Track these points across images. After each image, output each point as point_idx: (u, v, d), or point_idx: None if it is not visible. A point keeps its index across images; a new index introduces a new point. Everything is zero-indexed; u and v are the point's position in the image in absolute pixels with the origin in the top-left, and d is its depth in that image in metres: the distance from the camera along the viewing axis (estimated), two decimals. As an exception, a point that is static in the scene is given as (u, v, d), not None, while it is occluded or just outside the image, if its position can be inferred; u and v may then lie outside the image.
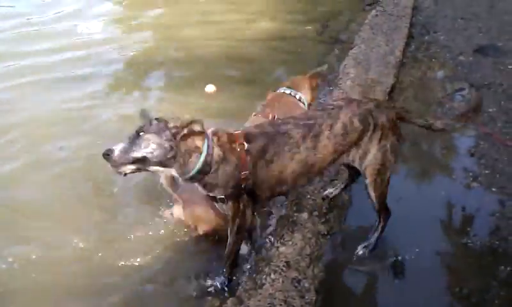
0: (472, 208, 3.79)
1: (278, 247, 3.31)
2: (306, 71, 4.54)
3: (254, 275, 3.12)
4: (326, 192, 3.72)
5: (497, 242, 3.45)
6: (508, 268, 3.24)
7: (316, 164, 2.95)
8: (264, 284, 3.01)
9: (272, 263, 3.16)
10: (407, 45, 6.57)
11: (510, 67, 5.95)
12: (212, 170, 2.78)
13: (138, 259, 3.50)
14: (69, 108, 5.47)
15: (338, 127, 2.91)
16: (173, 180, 3.53)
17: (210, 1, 8.92)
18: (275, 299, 2.90)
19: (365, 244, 3.40)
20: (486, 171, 4.15)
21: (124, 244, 3.62)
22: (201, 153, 2.74)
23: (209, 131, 2.83)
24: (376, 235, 3.38)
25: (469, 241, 3.48)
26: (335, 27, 7.77)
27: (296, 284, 3.02)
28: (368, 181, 3.11)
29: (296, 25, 7.81)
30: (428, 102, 5.30)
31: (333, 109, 3.01)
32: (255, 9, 8.46)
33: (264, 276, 3.07)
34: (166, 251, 3.57)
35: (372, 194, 3.16)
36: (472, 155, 4.37)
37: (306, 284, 3.03)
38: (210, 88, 5.76)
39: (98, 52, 6.84)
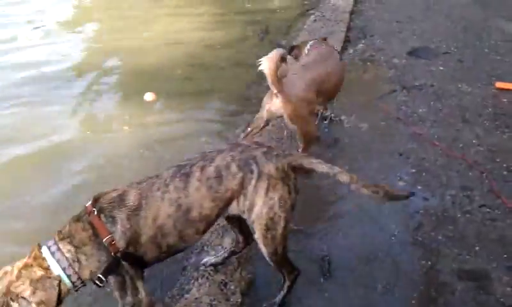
0: (397, 206, 3.89)
1: (207, 252, 3.35)
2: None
3: (181, 280, 3.15)
4: (205, 260, 3.25)
5: (420, 238, 3.58)
6: (429, 263, 3.37)
7: (192, 209, 2.60)
8: (190, 289, 3.04)
9: (200, 268, 3.20)
10: (343, 49, 6.73)
11: (441, 68, 6.19)
12: (77, 269, 2.43)
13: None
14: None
15: (210, 170, 2.64)
16: (276, 76, 3.77)
17: (150, 10, 8.89)
18: (201, 303, 2.94)
19: (270, 303, 3.05)
20: (413, 170, 4.30)
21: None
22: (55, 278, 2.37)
23: (48, 246, 2.44)
24: (282, 294, 3.03)
25: (393, 238, 3.60)
26: (276, 32, 7.89)
27: (222, 287, 3.07)
28: (256, 236, 2.78)
29: (237, 31, 7.89)
30: (362, 105, 5.42)
31: (211, 152, 2.77)
32: (197, 15, 8.49)
33: (192, 281, 3.11)
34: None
35: (264, 250, 2.81)
36: (400, 154, 4.51)
37: (232, 287, 3.08)
38: (149, 96, 5.78)
39: (31, 63, 6.76)
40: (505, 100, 5.34)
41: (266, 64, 3.78)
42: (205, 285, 3.06)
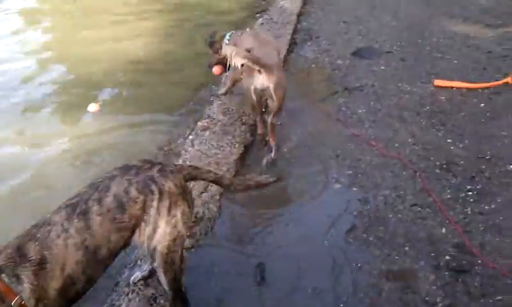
0: (331, 208, 3.98)
1: (140, 266, 3.35)
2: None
3: (112, 296, 3.15)
4: (133, 277, 3.21)
5: (351, 240, 3.65)
6: (359, 265, 3.44)
7: (102, 246, 2.46)
8: (120, 305, 3.05)
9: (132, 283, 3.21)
10: (289, 51, 6.79)
11: (383, 68, 6.29)
12: None
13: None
14: None
15: (108, 200, 2.49)
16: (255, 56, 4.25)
17: (99, 19, 8.78)
18: (130, 319, 2.96)
19: None
20: (349, 172, 4.37)
21: None
22: None
23: None
24: None
25: (326, 241, 3.66)
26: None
27: (152, 302, 3.08)
28: (157, 263, 2.74)
29: (184, 35, 7.83)
30: (304, 107, 5.48)
31: (101, 181, 2.58)
32: (139, 23, 8.42)
33: (123, 296, 3.12)
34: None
35: (163, 279, 2.81)
36: (338, 156, 4.58)
37: (162, 301, 3.09)
38: (92, 107, 5.73)
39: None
40: (442, 97, 5.46)
41: (237, 57, 4.18)
42: (135, 300, 3.07)
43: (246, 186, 3.11)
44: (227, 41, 4.95)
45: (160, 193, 2.61)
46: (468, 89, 5.59)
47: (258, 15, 8.41)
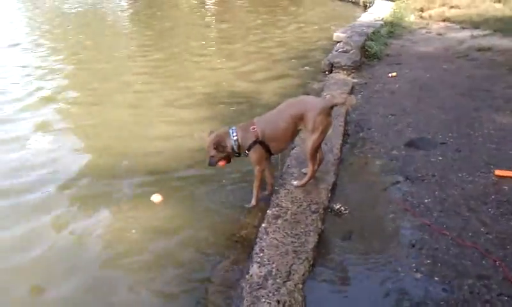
0: (417, 298, 3.97)
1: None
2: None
3: None
4: None
5: (444, 330, 3.64)
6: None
7: None
8: None
9: None
10: (344, 142, 6.97)
11: (440, 158, 6.39)
12: None
13: None
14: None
15: None
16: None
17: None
18: None
19: None
20: (428, 261, 4.38)
21: None
22: None
23: None
24: None
25: (418, 331, 3.65)
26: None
27: None
28: None
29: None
30: (368, 197, 5.58)
31: None
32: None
33: None
34: None
35: None
36: (413, 245, 4.61)
37: None
38: (156, 198, 5.89)
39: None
40: (505, 187, 5.52)
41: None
42: None
43: None
44: (234, 136, 5.29)
45: None
46: (530, 179, 5.66)
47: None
